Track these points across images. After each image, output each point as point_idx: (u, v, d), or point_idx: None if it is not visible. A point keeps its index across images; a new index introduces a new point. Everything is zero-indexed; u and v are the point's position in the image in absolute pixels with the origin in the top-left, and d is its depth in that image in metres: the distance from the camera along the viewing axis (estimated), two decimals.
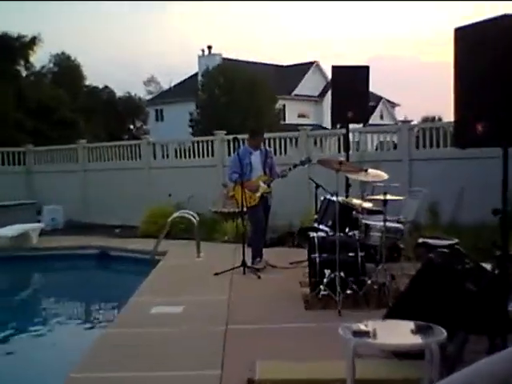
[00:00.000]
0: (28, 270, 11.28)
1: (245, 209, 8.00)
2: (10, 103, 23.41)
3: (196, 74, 39.75)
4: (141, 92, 52.47)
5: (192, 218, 9.55)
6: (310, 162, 8.46)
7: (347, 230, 6.64)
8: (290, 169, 8.25)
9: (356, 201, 7.06)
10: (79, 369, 4.66)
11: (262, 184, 8.12)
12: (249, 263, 7.96)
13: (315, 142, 12.49)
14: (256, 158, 8.23)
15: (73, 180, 14.96)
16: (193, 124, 33.75)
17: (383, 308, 5.43)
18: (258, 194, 8.10)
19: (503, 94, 3.83)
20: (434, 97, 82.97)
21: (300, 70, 43.21)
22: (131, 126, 42.37)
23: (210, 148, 13.16)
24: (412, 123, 12.25)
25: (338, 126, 12.54)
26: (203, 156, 13.28)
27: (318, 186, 8.11)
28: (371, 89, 8.76)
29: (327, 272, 6.18)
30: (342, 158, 6.76)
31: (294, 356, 4.74)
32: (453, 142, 6.75)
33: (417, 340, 3.52)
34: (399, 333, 3.67)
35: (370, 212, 6.99)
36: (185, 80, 43.86)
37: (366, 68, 8.56)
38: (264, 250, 8.35)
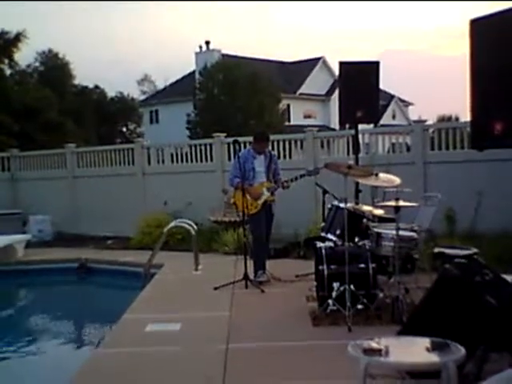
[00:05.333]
0: (12, 286, 11.29)
1: (246, 217, 7.99)
2: None
3: (193, 72, 39.86)
4: (134, 92, 52.79)
5: (190, 228, 9.55)
6: (317, 173, 8.31)
7: (357, 239, 6.64)
8: (296, 178, 8.14)
9: (366, 208, 7.06)
10: None
11: (265, 191, 8.12)
12: (251, 276, 7.96)
13: (322, 145, 12.50)
14: (260, 162, 8.22)
15: (61, 187, 14.96)
16: (190, 126, 33.86)
17: (396, 324, 5.44)
18: (260, 202, 8.09)
19: None
20: (450, 94, 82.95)
21: (305, 67, 43.28)
22: (124, 129, 42.49)
23: (208, 152, 13.17)
24: (426, 123, 12.24)
25: (347, 127, 12.57)
26: (201, 160, 13.29)
27: (325, 192, 8.12)
28: (382, 86, 8.79)
29: (336, 285, 6.18)
30: (351, 162, 6.77)
31: (301, 376, 4.73)
32: (470, 143, 6.75)
33: (433, 358, 3.51)
34: (414, 351, 3.66)
35: (381, 220, 6.98)
36: (181, 78, 43.99)
37: (376, 64, 8.59)
38: (268, 261, 8.34)
